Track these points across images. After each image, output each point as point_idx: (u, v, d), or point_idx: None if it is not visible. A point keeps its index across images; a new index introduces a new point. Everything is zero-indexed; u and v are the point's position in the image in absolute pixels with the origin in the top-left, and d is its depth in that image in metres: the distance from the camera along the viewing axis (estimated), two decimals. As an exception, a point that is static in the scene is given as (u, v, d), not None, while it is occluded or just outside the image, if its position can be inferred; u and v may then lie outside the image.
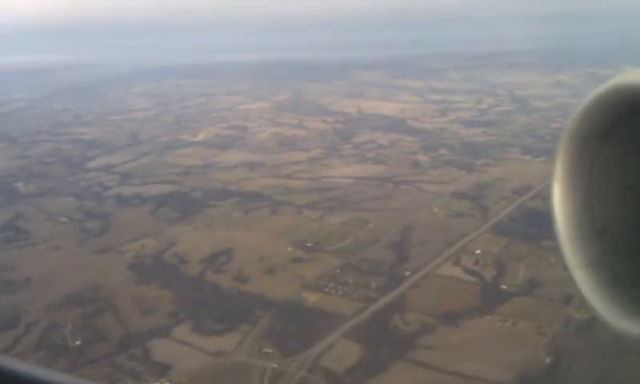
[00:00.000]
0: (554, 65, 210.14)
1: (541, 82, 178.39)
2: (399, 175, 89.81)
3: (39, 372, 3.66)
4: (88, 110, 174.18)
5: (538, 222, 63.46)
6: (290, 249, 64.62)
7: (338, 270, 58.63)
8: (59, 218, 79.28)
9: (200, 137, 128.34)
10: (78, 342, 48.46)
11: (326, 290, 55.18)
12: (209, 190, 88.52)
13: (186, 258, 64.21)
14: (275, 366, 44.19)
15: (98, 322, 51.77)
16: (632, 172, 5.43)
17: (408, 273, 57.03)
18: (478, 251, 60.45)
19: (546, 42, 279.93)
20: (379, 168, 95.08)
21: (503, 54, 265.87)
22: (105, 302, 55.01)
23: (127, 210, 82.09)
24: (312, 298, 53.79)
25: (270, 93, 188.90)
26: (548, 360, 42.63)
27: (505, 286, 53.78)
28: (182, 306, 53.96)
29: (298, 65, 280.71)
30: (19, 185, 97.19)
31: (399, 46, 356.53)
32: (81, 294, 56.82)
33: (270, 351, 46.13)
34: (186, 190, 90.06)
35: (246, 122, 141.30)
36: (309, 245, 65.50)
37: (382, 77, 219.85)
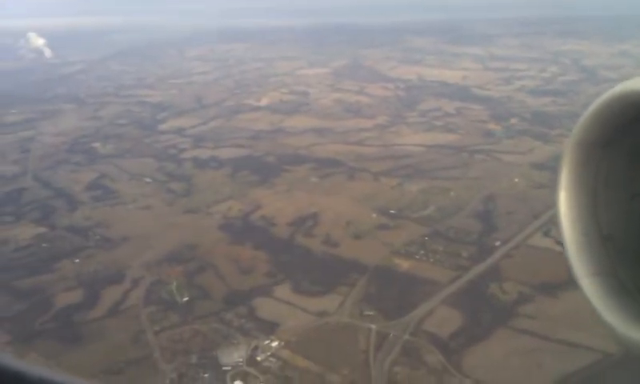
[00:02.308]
0: (613, 33, 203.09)
1: (604, 52, 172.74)
2: (473, 144, 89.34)
3: (39, 371, 3.55)
4: (148, 73, 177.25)
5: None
6: (374, 215, 65.65)
7: (426, 238, 59.39)
8: (143, 179, 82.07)
9: (264, 102, 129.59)
10: (185, 299, 50.77)
11: (417, 257, 56.10)
12: (282, 155, 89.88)
13: (273, 221, 65.93)
14: (379, 328, 45.57)
15: (200, 279, 54.04)
16: (638, 179, 5.44)
17: (498, 243, 57.45)
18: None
19: (601, 9, 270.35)
20: (450, 136, 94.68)
21: (557, 20, 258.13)
22: (203, 261, 57.26)
23: (207, 172, 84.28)
24: (404, 265, 54.84)
25: (326, 58, 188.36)
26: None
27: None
28: (278, 267, 55.74)
29: (348, 29, 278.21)
30: (97, 145, 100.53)
31: (448, 9, 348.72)
32: (179, 252, 59.23)
33: (372, 314, 47.53)
34: (260, 154, 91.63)
35: (308, 88, 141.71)
36: (392, 212, 66.36)
37: (436, 43, 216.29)
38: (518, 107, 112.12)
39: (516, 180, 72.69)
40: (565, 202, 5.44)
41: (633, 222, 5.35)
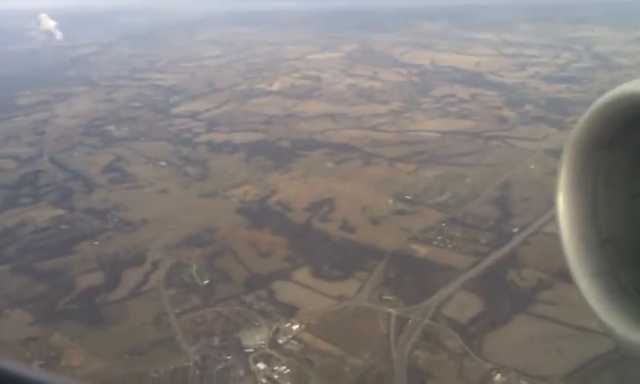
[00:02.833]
0: (627, 20, 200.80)
1: (618, 38, 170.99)
2: (487, 130, 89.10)
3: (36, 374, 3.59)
4: (159, 56, 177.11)
5: None
6: (390, 201, 65.79)
7: (443, 224, 59.53)
8: (158, 162, 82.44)
9: (276, 86, 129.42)
10: (206, 281, 51.25)
11: (434, 242, 56.29)
12: (296, 140, 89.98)
13: (289, 205, 66.20)
14: (398, 312, 45.91)
15: (219, 262, 54.48)
16: (637, 181, 5.39)
17: (515, 229, 57.52)
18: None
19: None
20: (465, 123, 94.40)
21: (570, 7, 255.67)
22: (222, 245, 57.69)
23: (221, 156, 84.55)
24: (422, 250, 55.06)
25: (337, 43, 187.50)
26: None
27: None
28: (297, 251, 56.10)
29: (358, 13, 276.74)
30: (111, 128, 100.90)
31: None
32: (197, 235, 59.65)
33: (391, 298, 47.84)
34: (274, 139, 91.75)
35: (320, 73, 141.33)
36: (408, 197, 66.48)
37: (447, 27, 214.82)
38: (532, 94, 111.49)
39: (532, 167, 72.56)
40: (563, 204, 5.44)
41: (633, 223, 5.35)
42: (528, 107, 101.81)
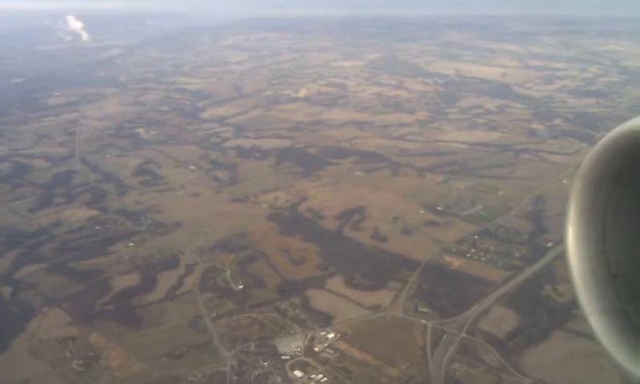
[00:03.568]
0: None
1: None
2: (517, 143, 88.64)
3: None
4: (185, 60, 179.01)
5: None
6: (421, 211, 65.65)
7: (476, 237, 59.23)
8: (188, 166, 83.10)
9: (302, 93, 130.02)
10: (240, 286, 51.46)
11: (468, 255, 55.99)
12: (324, 147, 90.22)
13: (320, 213, 66.34)
14: (434, 325, 45.72)
15: (253, 268, 54.65)
16: None
17: (550, 244, 57.04)
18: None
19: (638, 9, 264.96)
20: (494, 134, 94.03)
21: (594, 20, 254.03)
22: (255, 250, 57.89)
23: (250, 161, 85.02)
24: (456, 263, 54.79)
25: (361, 51, 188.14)
26: None
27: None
28: (329, 259, 56.12)
29: (381, 21, 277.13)
30: (140, 130, 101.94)
31: (483, 4, 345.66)
32: (230, 240, 59.95)
33: (426, 310, 47.65)
34: (302, 145, 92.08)
35: (345, 80, 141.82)
36: (439, 208, 66.28)
37: (472, 38, 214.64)
38: (560, 107, 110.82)
39: (564, 181, 71.94)
40: (573, 239, 5.42)
41: None
42: (557, 121, 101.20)
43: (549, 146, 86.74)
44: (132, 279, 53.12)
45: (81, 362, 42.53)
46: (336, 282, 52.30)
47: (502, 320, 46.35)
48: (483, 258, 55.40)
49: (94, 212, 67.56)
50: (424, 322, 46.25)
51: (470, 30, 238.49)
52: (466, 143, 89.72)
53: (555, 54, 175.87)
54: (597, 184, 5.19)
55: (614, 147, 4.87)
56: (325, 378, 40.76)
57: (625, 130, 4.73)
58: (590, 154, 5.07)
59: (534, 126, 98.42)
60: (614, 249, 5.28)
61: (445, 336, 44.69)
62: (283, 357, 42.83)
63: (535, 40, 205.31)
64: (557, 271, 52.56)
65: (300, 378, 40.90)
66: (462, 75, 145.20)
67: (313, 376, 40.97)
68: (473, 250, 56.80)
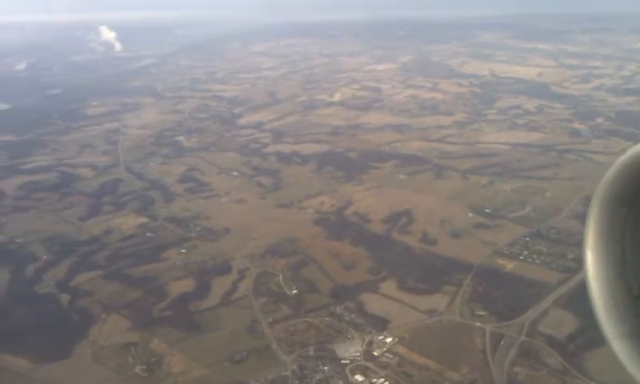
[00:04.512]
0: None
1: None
2: (560, 143, 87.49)
3: None
4: (217, 68, 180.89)
5: None
6: (470, 214, 65.21)
7: (527, 239, 58.60)
8: (231, 172, 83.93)
9: (337, 97, 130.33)
10: (294, 291, 51.75)
11: (521, 258, 55.41)
12: (364, 151, 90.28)
13: (367, 217, 66.35)
14: (492, 328, 45.33)
15: (304, 273, 54.90)
16: None
17: (604, 245, 56.03)
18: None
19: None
20: (535, 135, 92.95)
21: (626, 17, 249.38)
22: (305, 255, 58.16)
23: (292, 167, 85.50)
24: (509, 265, 54.26)
25: (391, 54, 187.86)
26: None
27: None
28: (380, 263, 56.08)
29: (408, 23, 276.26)
30: (181, 138, 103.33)
31: (513, 4, 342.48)
32: (279, 245, 60.31)
33: (483, 314, 47.28)
34: (341, 150, 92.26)
35: (379, 84, 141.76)
36: (487, 211, 65.76)
37: (503, 38, 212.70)
38: (601, 106, 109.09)
39: (613, 181, 70.62)
40: (592, 263, 5.36)
41: None
42: (599, 120, 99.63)
43: (593, 146, 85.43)
44: (187, 285, 53.83)
45: (144, 367, 43.23)
46: (389, 286, 52.23)
47: (561, 322, 45.73)
48: (537, 261, 54.77)
49: (144, 219, 68.65)
50: (482, 325, 45.94)
51: (499, 29, 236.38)
52: (508, 144, 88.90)
53: (590, 52, 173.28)
54: (614, 206, 5.11)
55: (630, 169, 4.80)
56: (387, 383, 40.75)
57: (636, 153, 4.67)
58: (606, 177, 5.00)
59: (576, 125, 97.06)
60: (634, 270, 5.21)
61: (504, 339, 44.34)
62: (343, 361, 42.90)
63: (567, 38, 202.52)
64: (614, 273, 51.62)
65: (361, 382, 40.96)
66: (496, 75, 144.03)
67: (374, 380, 40.96)
68: (525, 252, 56.20)
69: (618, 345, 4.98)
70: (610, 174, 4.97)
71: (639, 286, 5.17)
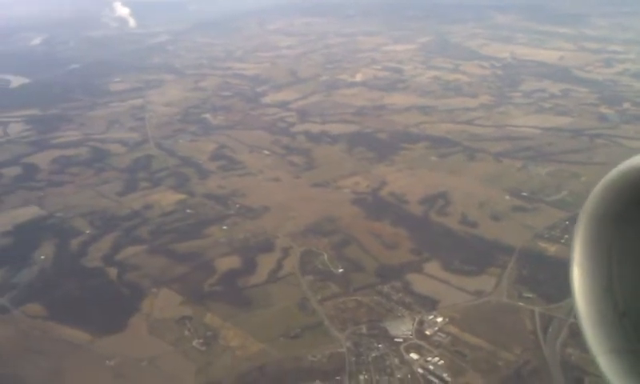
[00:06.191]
0: None
1: None
2: (590, 128, 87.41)
3: None
4: (235, 46, 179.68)
5: None
6: (507, 197, 65.60)
7: (567, 222, 59.02)
8: (262, 151, 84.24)
9: (358, 77, 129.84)
10: (340, 270, 52.42)
11: (562, 241, 55.88)
12: (393, 132, 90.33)
13: (404, 198, 66.80)
14: (541, 310, 45.98)
15: (348, 252, 55.56)
16: None
17: (645, 230, 56.48)
18: None
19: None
20: (564, 119, 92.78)
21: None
22: (346, 234, 58.75)
23: (322, 146, 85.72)
24: (551, 248, 54.75)
25: (409, 34, 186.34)
26: None
27: None
28: (421, 244, 56.67)
29: (421, 3, 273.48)
30: (207, 116, 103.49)
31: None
32: (319, 224, 60.92)
33: (531, 296, 47.92)
34: (369, 130, 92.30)
35: (400, 64, 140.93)
36: (524, 194, 66.11)
37: (520, 20, 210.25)
38: (626, 91, 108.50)
39: (648, 167, 70.81)
40: (579, 279, 5.34)
41: None
42: (626, 105, 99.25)
43: (623, 131, 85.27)
44: (233, 261, 54.57)
45: (201, 341, 44.10)
46: (434, 267, 52.84)
47: (610, 306, 46.30)
48: (579, 244, 55.13)
49: (182, 196, 69.24)
50: (530, 307, 46.60)
51: (515, 11, 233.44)
52: (538, 128, 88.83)
53: (611, 35, 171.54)
54: (601, 222, 5.12)
55: (618, 185, 4.80)
56: (442, 361, 41.49)
57: (625, 168, 4.68)
58: (594, 192, 5.02)
59: (603, 110, 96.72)
60: (621, 286, 5.18)
61: (554, 321, 45.01)
62: (396, 339, 43.71)
63: (587, 22, 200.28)
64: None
65: (417, 360, 41.73)
66: (517, 58, 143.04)
67: (429, 359, 41.74)
68: (566, 236, 56.58)
69: (604, 360, 4.96)
70: (597, 189, 4.96)
71: (625, 302, 5.13)
